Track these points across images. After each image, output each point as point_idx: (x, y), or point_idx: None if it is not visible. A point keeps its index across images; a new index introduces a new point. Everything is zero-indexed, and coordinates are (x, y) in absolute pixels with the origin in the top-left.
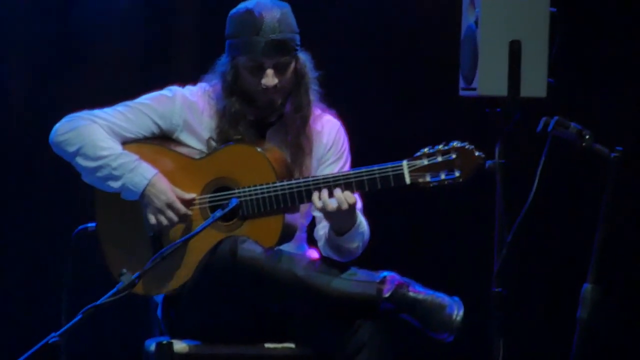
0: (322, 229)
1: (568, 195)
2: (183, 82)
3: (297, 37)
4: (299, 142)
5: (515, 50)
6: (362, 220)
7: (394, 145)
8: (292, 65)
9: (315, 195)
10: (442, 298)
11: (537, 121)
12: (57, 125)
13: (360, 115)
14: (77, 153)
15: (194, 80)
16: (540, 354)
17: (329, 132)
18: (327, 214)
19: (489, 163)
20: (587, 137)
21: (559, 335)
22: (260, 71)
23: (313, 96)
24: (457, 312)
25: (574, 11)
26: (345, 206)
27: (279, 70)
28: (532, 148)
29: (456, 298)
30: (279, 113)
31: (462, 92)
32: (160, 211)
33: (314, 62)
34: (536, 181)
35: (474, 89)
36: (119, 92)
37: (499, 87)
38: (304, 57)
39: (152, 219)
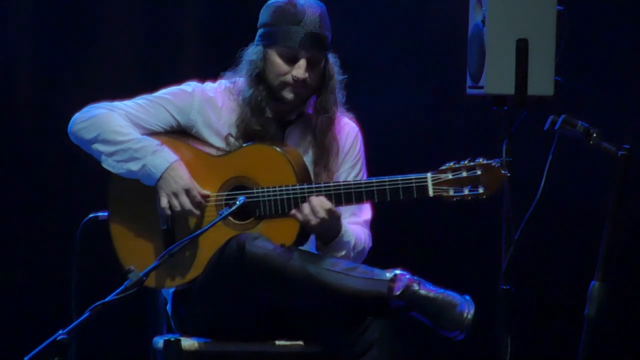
0: None
1: (575, 193)
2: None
3: (331, 37)
4: (324, 143)
5: (522, 49)
6: (347, 229)
7: (399, 144)
8: (322, 64)
9: (294, 210)
10: (452, 296)
11: (544, 119)
12: (76, 115)
13: (366, 113)
14: (95, 139)
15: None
16: (547, 351)
17: (346, 136)
18: (310, 227)
19: (496, 161)
20: (595, 135)
21: (566, 332)
22: (292, 62)
23: (339, 98)
24: (468, 311)
25: (581, 9)
26: (321, 215)
27: (311, 65)
28: (539, 146)
29: (467, 297)
30: (298, 111)
31: (469, 91)
32: (175, 195)
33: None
34: (543, 179)
35: (481, 88)
36: (133, 89)
37: (506, 85)
38: (332, 59)
39: (164, 202)
